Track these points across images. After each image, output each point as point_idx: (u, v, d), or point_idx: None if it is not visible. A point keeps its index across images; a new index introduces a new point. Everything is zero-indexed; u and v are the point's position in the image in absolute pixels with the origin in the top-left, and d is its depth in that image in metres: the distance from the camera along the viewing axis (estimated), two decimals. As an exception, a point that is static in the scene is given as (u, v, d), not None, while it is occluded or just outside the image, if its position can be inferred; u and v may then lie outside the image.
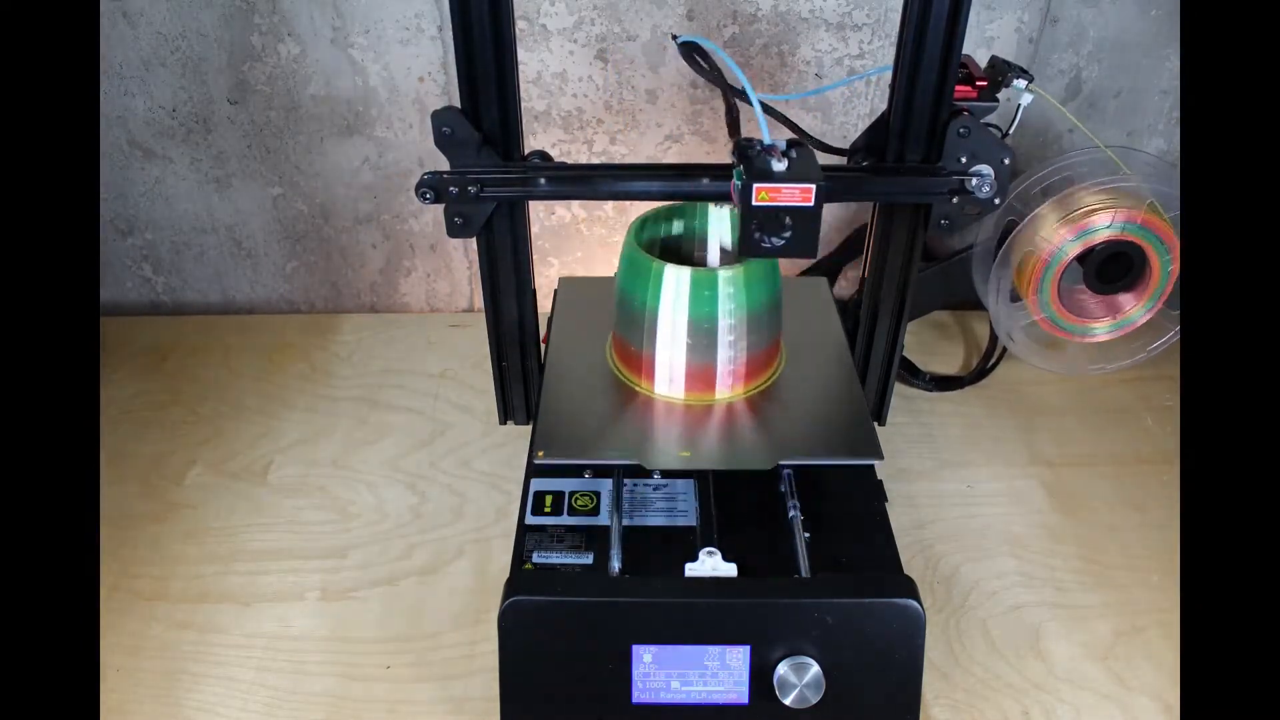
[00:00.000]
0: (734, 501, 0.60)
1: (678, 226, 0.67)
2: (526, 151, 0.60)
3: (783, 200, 0.51)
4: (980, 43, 0.83)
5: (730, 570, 0.54)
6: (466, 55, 0.55)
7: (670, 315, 0.60)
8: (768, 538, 0.57)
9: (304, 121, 0.86)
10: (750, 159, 0.52)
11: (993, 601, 0.65)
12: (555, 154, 0.62)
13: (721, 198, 0.58)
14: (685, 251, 0.68)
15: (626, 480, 0.62)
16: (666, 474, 0.62)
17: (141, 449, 0.78)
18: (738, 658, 0.52)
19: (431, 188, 0.57)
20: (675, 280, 0.60)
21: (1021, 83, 0.61)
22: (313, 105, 0.85)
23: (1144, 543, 0.70)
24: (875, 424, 0.69)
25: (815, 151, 0.64)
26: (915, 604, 0.52)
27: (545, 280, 0.95)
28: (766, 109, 0.62)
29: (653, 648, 0.52)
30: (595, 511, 0.60)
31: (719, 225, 0.65)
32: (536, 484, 0.62)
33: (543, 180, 0.58)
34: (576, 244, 0.94)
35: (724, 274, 0.59)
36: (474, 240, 0.62)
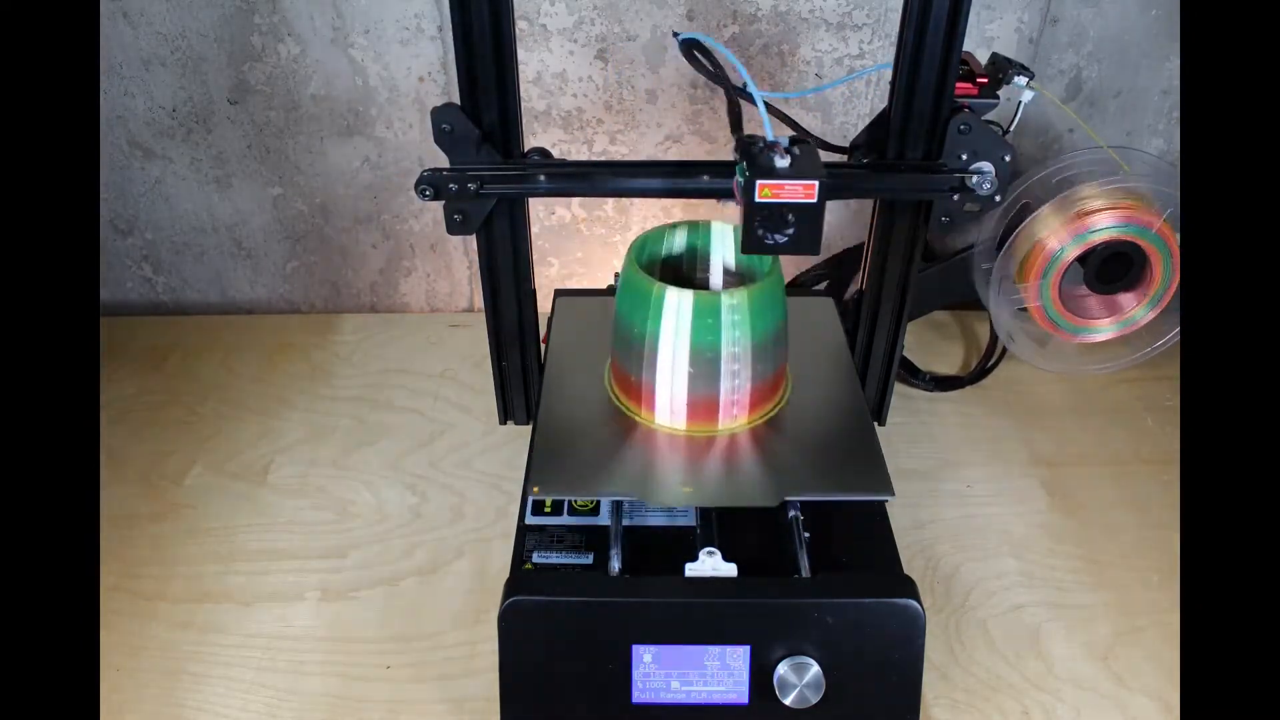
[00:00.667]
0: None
1: (679, 246, 0.64)
2: (526, 149, 0.60)
3: (786, 197, 0.51)
4: (980, 42, 0.83)
5: (730, 570, 0.54)
6: (466, 54, 0.55)
7: (671, 343, 0.57)
8: (768, 538, 0.57)
9: (304, 121, 0.86)
10: (753, 156, 0.52)
11: (993, 601, 0.65)
12: (555, 154, 0.62)
13: (722, 194, 0.58)
14: (687, 271, 0.65)
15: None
16: None
17: (141, 449, 0.78)
18: (738, 658, 0.52)
19: (431, 185, 0.57)
20: (676, 306, 0.56)
21: (1022, 80, 0.61)
22: (313, 105, 0.85)
23: (1144, 543, 0.70)
24: (875, 422, 0.68)
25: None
26: (915, 604, 0.52)
27: (545, 280, 0.95)
28: (770, 109, 0.62)
29: (653, 648, 0.52)
30: (595, 511, 0.60)
31: (722, 245, 0.63)
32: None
33: (542, 177, 0.58)
34: (576, 244, 0.94)
35: (727, 300, 0.56)
36: (474, 240, 0.62)
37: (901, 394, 0.83)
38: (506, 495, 0.73)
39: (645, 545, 0.57)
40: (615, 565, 0.55)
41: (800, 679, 0.52)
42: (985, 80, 0.60)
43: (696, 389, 0.58)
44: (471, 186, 0.57)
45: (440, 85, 0.84)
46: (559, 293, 0.75)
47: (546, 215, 0.92)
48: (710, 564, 0.55)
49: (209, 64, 0.83)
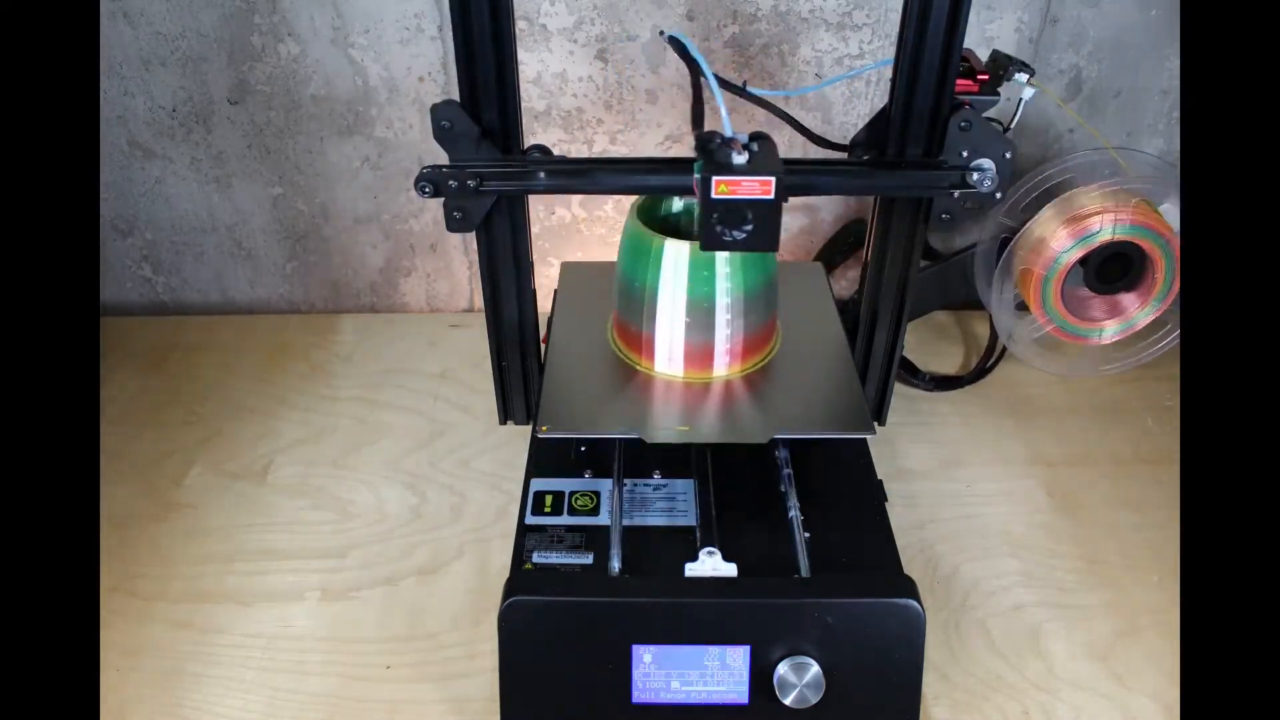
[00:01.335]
0: (734, 501, 0.60)
1: (678, 205, 0.68)
2: (526, 146, 0.60)
3: (743, 193, 0.51)
4: (980, 42, 0.83)
5: (730, 570, 0.54)
6: (466, 53, 0.55)
7: (670, 295, 0.61)
8: (768, 538, 0.57)
9: (304, 121, 0.86)
10: (710, 151, 0.51)
11: (993, 601, 0.65)
12: (555, 154, 0.62)
13: None
14: (685, 229, 0.68)
15: (626, 480, 0.62)
16: (666, 474, 0.62)
17: (141, 449, 0.78)
18: (738, 658, 0.52)
19: (430, 181, 0.57)
20: (674, 258, 0.60)
21: (1023, 76, 0.61)
22: (313, 105, 0.85)
23: (1144, 543, 0.70)
24: (875, 422, 0.69)
25: (804, 144, 0.65)
26: (915, 604, 0.52)
27: (545, 280, 0.95)
28: (771, 107, 0.63)
29: (653, 648, 0.52)
30: (595, 511, 0.60)
31: None
32: (536, 484, 0.62)
33: (542, 174, 0.58)
34: (576, 244, 0.94)
35: (721, 254, 0.60)
36: (474, 240, 0.62)
37: (901, 394, 0.83)
38: (506, 495, 0.73)
39: (645, 545, 0.57)
40: (615, 565, 0.55)
41: (800, 679, 0.52)
42: (986, 77, 0.60)
43: (693, 337, 0.63)
44: (471, 183, 0.57)
45: (440, 85, 0.84)
46: (565, 263, 0.79)
47: (546, 215, 0.92)
48: (710, 564, 0.55)
49: (209, 64, 0.83)
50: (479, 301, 0.89)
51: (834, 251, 0.92)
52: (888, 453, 0.76)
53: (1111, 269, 0.71)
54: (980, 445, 0.79)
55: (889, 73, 0.60)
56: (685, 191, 0.63)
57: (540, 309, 0.68)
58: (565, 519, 0.60)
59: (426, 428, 0.81)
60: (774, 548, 0.57)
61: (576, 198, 0.91)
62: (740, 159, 0.51)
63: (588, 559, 0.57)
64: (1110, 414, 0.82)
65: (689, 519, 0.59)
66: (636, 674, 0.53)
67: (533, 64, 0.83)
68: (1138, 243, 0.69)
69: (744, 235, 0.52)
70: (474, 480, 0.75)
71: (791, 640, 0.52)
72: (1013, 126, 0.63)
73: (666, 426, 0.60)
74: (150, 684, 0.60)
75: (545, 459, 0.64)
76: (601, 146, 0.88)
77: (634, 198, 0.65)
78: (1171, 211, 0.70)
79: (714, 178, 0.50)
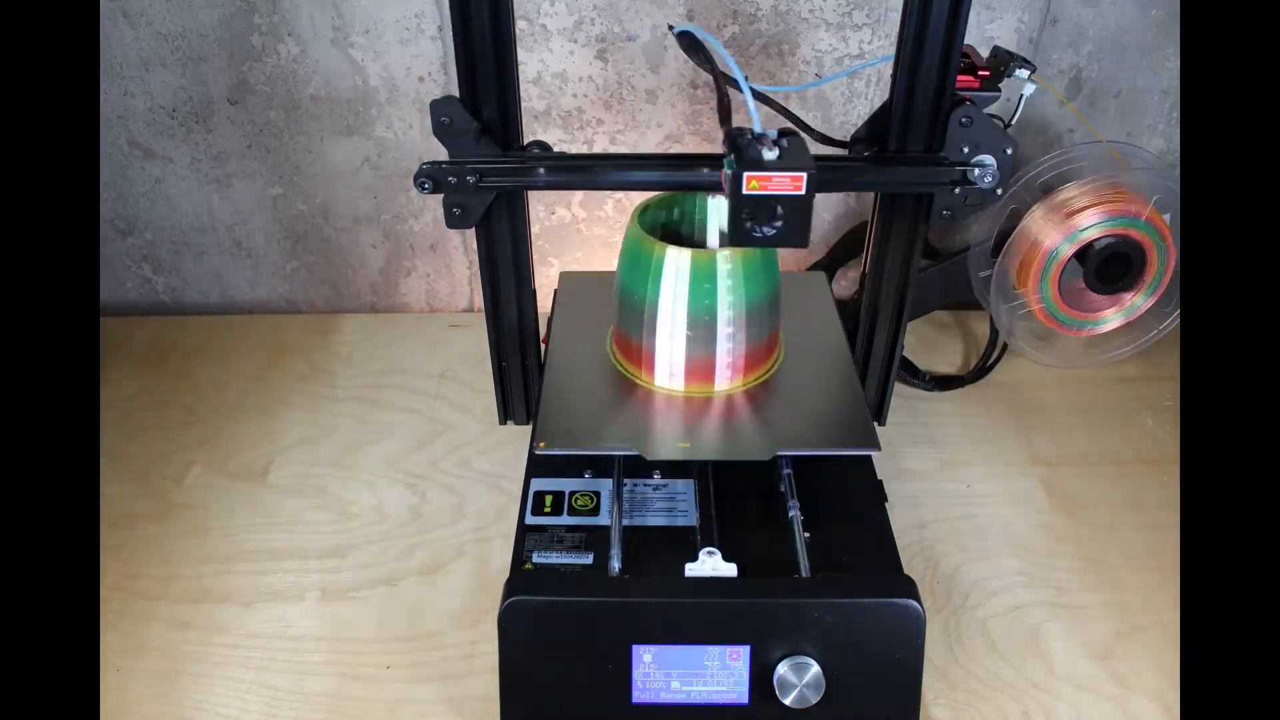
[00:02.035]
0: (734, 501, 0.60)
1: (678, 214, 0.68)
2: (525, 142, 0.60)
3: (774, 189, 0.51)
4: (980, 42, 0.83)
5: (730, 570, 0.54)
6: (466, 50, 0.55)
7: (670, 307, 0.60)
8: (768, 538, 0.57)
9: (304, 121, 0.86)
10: (741, 148, 0.51)
11: (993, 601, 0.65)
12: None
13: (720, 188, 0.58)
14: (685, 237, 0.68)
15: (626, 480, 0.62)
16: (666, 474, 0.62)
17: (141, 449, 0.78)
18: (738, 658, 0.52)
19: (430, 178, 0.57)
20: (675, 266, 0.59)
21: (1024, 72, 0.61)
22: (313, 105, 0.85)
23: (1144, 543, 0.70)
24: (875, 423, 0.69)
25: (808, 141, 0.65)
26: (915, 604, 0.52)
27: (545, 280, 0.95)
28: (771, 104, 0.63)
29: (653, 648, 0.52)
30: (595, 511, 0.60)
31: (718, 212, 0.65)
32: (536, 484, 0.62)
33: (542, 170, 0.58)
34: (576, 244, 0.94)
35: (724, 266, 0.59)
36: (474, 240, 0.62)
37: (901, 394, 0.83)
38: (506, 495, 0.73)
39: (645, 545, 0.57)
40: (615, 565, 0.55)
41: (800, 679, 0.52)
42: (987, 73, 0.60)
43: (694, 352, 0.62)
44: (470, 179, 0.57)
45: (440, 85, 0.84)
46: (564, 273, 0.78)
47: (546, 215, 0.92)
48: (710, 564, 0.55)
49: (209, 64, 0.83)
50: (479, 301, 0.89)
51: (835, 257, 0.92)
52: (888, 453, 0.76)
53: (1111, 270, 0.71)
54: (980, 445, 0.79)
55: (889, 72, 0.60)
56: (686, 188, 0.63)
57: (540, 309, 0.68)
58: (565, 519, 0.59)
59: (426, 428, 0.81)
60: (774, 548, 0.57)
61: (576, 198, 0.91)
62: (771, 155, 0.51)
63: (588, 559, 0.57)
64: (1110, 414, 0.82)
65: (689, 519, 0.59)
66: (636, 674, 0.53)
67: (533, 64, 0.83)
68: (1129, 234, 0.69)
69: (774, 231, 0.52)
70: (474, 480, 0.75)
71: (791, 640, 0.52)
72: (1013, 122, 0.63)
73: (666, 443, 0.59)
74: (150, 684, 0.60)
75: (545, 459, 0.64)
76: (601, 146, 0.88)
77: (635, 203, 0.65)
78: (1163, 203, 0.70)
79: (746, 173, 0.50)
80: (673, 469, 0.63)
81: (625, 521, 0.59)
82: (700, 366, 0.62)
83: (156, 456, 0.78)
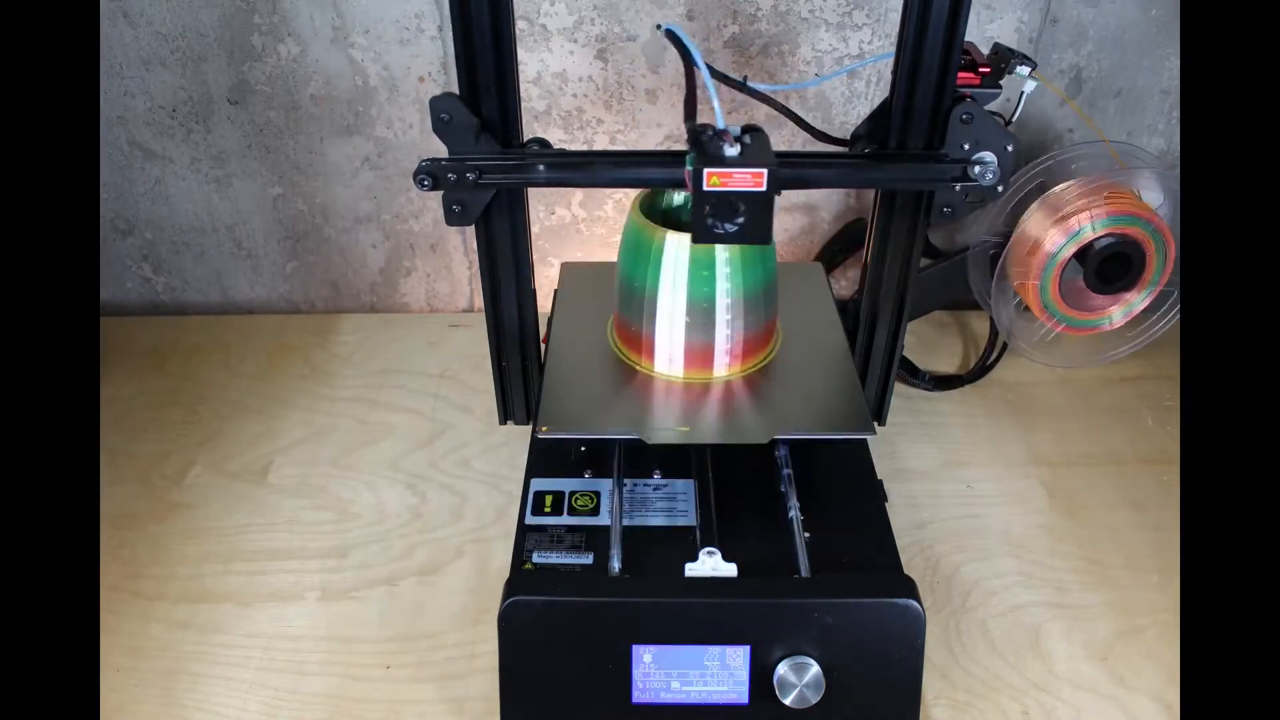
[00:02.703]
0: (734, 501, 0.60)
1: (679, 199, 0.68)
2: (525, 139, 0.60)
3: (735, 185, 0.51)
4: (981, 42, 0.82)
5: (730, 570, 0.54)
6: (465, 43, 0.55)
7: (670, 294, 0.61)
8: (768, 538, 0.57)
9: (304, 121, 0.86)
10: (703, 144, 0.51)
11: (993, 601, 0.65)
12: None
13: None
14: (685, 225, 0.67)
15: (626, 480, 0.62)
16: (666, 474, 0.62)
17: (141, 449, 0.78)
18: (738, 658, 0.52)
19: (430, 174, 0.57)
20: (675, 251, 0.60)
21: (1025, 69, 0.61)
22: (313, 105, 0.85)
23: (1144, 543, 0.70)
24: (876, 423, 0.69)
25: (809, 140, 0.65)
26: (915, 604, 0.52)
27: (545, 280, 0.95)
28: (776, 105, 0.63)
29: (653, 648, 0.52)
30: (595, 511, 0.60)
31: None
32: (536, 484, 0.62)
33: (541, 167, 0.58)
34: (576, 244, 0.94)
35: (722, 253, 0.60)
36: (474, 239, 0.62)
37: (901, 394, 0.83)
38: (506, 495, 0.73)
39: (645, 545, 0.57)
40: (615, 565, 0.55)
41: (800, 679, 0.52)
42: (987, 70, 0.60)
43: (693, 338, 0.63)
44: (470, 176, 0.57)
45: (440, 85, 0.84)
46: (565, 264, 0.79)
47: (546, 215, 0.92)
48: (710, 564, 0.55)
49: (209, 64, 0.83)
50: (479, 301, 0.89)
51: (834, 250, 0.92)
52: (888, 453, 0.76)
53: (1111, 270, 0.71)
54: (980, 445, 0.79)
55: (889, 72, 0.60)
56: (685, 183, 0.63)
57: (540, 309, 0.68)
58: (565, 519, 0.59)
59: (426, 428, 0.81)
60: (774, 548, 0.57)
61: (577, 198, 0.91)
62: (732, 151, 0.51)
63: (588, 559, 0.57)
64: (1110, 414, 0.82)
65: (689, 519, 0.59)
66: (636, 674, 0.53)
67: (533, 64, 0.83)
68: (1128, 234, 0.69)
69: (736, 228, 0.52)
70: (474, 480, 0.75)
71: (791, 640, 0.52)
72: (1014, 119, 0.63)
73: (666, 427, 0.60)
74: (150, 684, 0.60)
75: (545, 459, 0.64)
76: (601, 146, 0.88)
77: (635, 196, 0.65)
78: (1156, 199, 0.69)
79: (706, 169, 0.50)
80: (672, 469, 0.63)
81: (625, 521, 0.59)
82: (699, 352, 0.63)
83: (156, 456, 0.78)
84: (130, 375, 0.87)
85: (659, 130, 0.87)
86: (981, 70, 0.60)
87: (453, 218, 0.59)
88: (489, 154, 0.58)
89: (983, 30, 0.82)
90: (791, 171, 0.57)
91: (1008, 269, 0.73)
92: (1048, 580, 0.67)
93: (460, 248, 0.94)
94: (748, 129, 0.53)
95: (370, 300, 0.98)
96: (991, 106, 0.59)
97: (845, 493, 0.62)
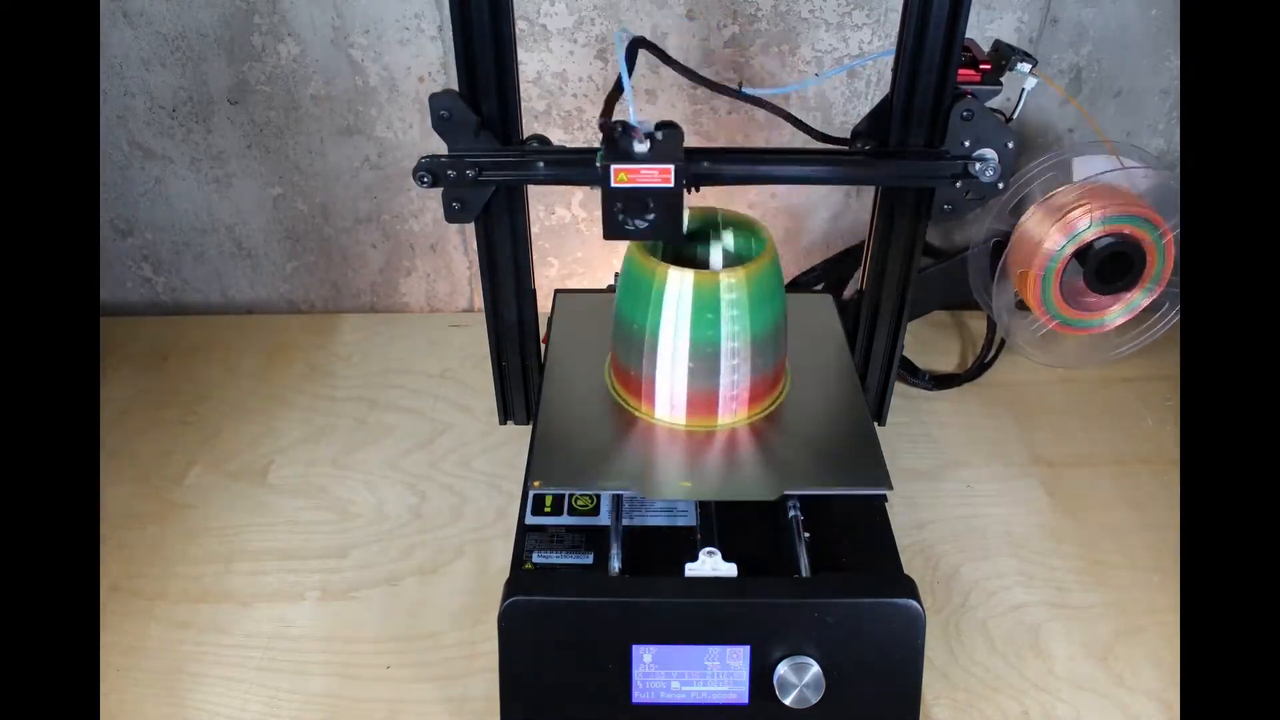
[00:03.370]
0: (734, 502, 0.60)
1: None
2: (525, 136, 0.60)
3: (642, 182, 0.50)
4: (981, 42, 0.83)
5: (730, 570, 0.54)
6: (465, 39, 0.55)
7: (671, 337, 0.58)
8: (768, 538, 0.57)
9: (304, 121, 0.86)
10: (614, 140, 0.51)
11: (993, 601, 0.65)
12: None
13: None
14: (685, 257, 0.65)
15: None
16: None
17: (141, 449, 0.78)
18: (738, 658, 0.52)
19: (429, 171, 0.57)
20: (677, 292, 0.57)
21: (1025, 66, 0.60)
22: (313, 105, 0.85)
23: (1144, 543, 0.70)
24: (875, 422, 0.69)
25: (811, 140, 0.64)
26: (915, 604, 0.52)
27: (545, 281, 0.95)
28: (773, 109, 0.62)
29: (653, 648, 0.52)
30: (595, 511, 0.60)
31: (725, 232, 0.63)
32: (536, 484, 0.62)
33: (541, 164, 0.58)
34: (576, 244, 0.94)
35: (727, 295, 0.57)
36: (474, 239, 0.62)
37: (901, 394, 0.83)
38: (506, 495, 0.73)
39: (645, 545, 0.57)
40: (615, 565, 0.55)
41: (800, 679, 0.52)
42: (988, 67, 0.60)
43: (696, 384, 0.59)
44: (470, 173, 0.57)
45: (440, 85, 0.84)
46: (559, 292, 0.76)
47: (546, 215, 0.92)
48: (710, 564, 0.54)
49: (209, 64, 0.83)
50: (479, 301, 0.89)
51: (841, 272, 0.91)
52: (888, 453, 0.75)
53: (1111, 270, 0.71)
54: (980, 445, 0.79)
55: (889, 72, 0.60)
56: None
57: (540, 309, 0.68)
58: (565, 519, 0.59)
59: (426, 428, 0.81)
60: (774, 548, 0.57)
61: (577, 198, 0.91)
62: (642, 147, 0.51)
63: (588, 559, 0.57)
64: (1110, 414, 0.82)
65: (689, 519, 0.59)
66: (636, 674, 0.53)
67: (533, 64, 0.83)
68: (1128, 233, 0.69)
69: (646, 224, 0.52)
70: (474, 480, 0.75)
71: (791, 640, 0.52)
72: (1015, 115, 0.63)
73: (667, 482, 0.57)
74: (150, 684, 0.60)
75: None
76: (601, 146, 0.88)
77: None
78: (1155, 199, 0.69)
79: (613, 165, 0.50)
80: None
81: (625, 521, 0.59)
82: (703, 399, 0.60)
83: (156, 456, 0.78)
84: (130, 375, 0.87)
85: (659, 130, 0.87)
86: (982, 67, 0.59)
87: (452, 215, 0.59)
88: (488, 151, 0.58)
89: (983, 30, 0.82)
90: (704, 168, 0.56)
91: (1008, 269, 0.73)
92: (1048, 580, 0.67)
93: (460, 248, 0.94)
94: (662, 125, 0.53)
95: (370, 300, 0.98)
96: (992, 104, 0.59)
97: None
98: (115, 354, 0.89)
